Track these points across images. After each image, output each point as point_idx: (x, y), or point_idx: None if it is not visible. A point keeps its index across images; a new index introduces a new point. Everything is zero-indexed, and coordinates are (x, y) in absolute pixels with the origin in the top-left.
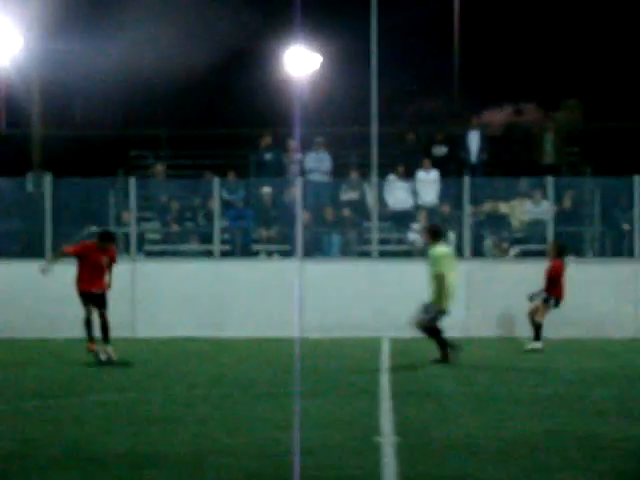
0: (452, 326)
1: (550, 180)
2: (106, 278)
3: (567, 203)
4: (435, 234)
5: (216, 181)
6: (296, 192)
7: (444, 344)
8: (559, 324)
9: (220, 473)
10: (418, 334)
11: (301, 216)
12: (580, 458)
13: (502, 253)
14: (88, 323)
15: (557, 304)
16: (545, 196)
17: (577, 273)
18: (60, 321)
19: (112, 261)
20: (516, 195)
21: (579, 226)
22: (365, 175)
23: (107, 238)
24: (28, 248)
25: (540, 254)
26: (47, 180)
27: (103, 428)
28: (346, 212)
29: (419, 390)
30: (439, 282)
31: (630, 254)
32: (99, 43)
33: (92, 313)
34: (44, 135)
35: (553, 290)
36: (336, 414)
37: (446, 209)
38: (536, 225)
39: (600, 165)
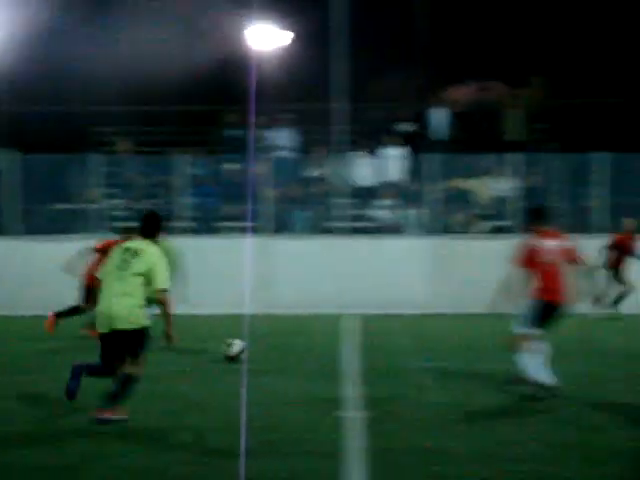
0: (409, 302)
1: (516, 157)
2: None
3: (533, 180)
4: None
5: (182, 158)
6: (262, 169)
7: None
8: None
9: (179, 449)
10: (385, 311)
11: (267, 193)
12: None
13: (474, 227)
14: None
15: None
16: (511, 173)
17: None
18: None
19: None
20: (482, 172)
21: (545, 202)
22: (331, 152)
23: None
24: None
25: (507, 230)
26: (16, 157)
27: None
28: (314, 188)
29: (385, 366)
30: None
31: (597, 230)
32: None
33: None
34: (13, 112)
35: None
36: (301, 390)
37: (411, 186)
38: (502, 202)
39: (567, 141)
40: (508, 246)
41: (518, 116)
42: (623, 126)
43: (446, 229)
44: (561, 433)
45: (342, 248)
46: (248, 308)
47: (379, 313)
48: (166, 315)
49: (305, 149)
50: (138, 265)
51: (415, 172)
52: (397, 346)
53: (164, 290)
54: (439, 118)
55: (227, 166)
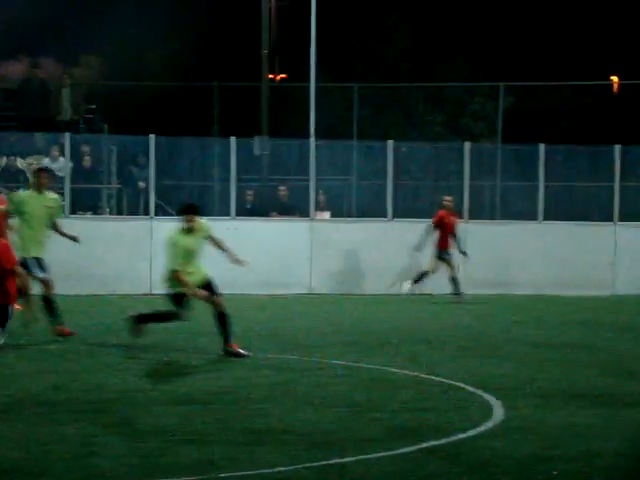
0: None
1: (67, 136)
2: None
3: (85, 160)
4: None
5: None
6: None
7: None
8: (74, 279)
9: None
10: None
11: None
12: (89, 410)
13: None
14: None
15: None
16: (62, 153)
17: (95, 230)
18: None
19: None
20: (33, 151)
21: (96, 183)
22: None
23: None
24: None
25: None
26: None
27: None
28: None
29: None
30: None
31: (146, 212)
32: None
33: None
34: None
35: None
36: None
37: None
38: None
39: (117, 123)
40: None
41: (70, 95)
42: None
43: None
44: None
45: None
46: None
47: None
48: None
49: None
50: None
51: None
52: None
53: None
54: None
55: None
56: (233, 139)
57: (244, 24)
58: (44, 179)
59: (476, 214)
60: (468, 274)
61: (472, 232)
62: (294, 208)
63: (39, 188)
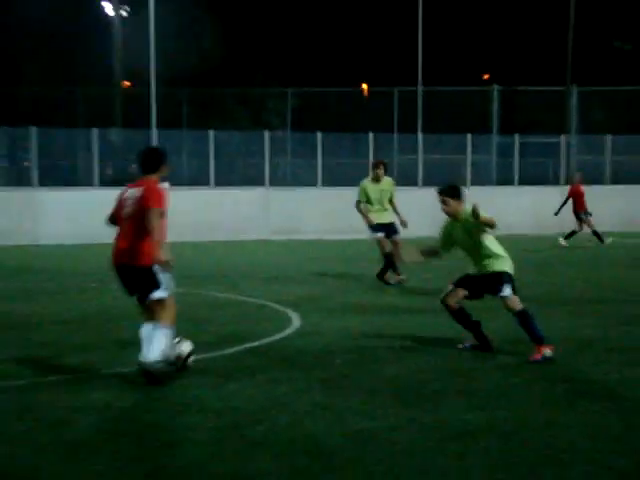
0: None
1: None
2: None
3: None
4: None
5: None
6: None
7: None
8: None
9: None
10: None
11: None
12: None
13: None
14: None
15: None
16: None
17: None
18: None
19: None
20: None
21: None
22: None
23: None
24: None
25: None
26: None
27: None
28: None
29: None
30: None
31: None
32: None
33: None
34: None
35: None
36: None
37: None
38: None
39: None
40: None
41: None
42: None
43: None
44: None
45: None
46: None
47: None
48: None
49: None
50: None
51: None
52: None
53: None
54: None
55: None
56: None
57: None
58: (380, 170)
59: (276, 183)
60: (271, 224)
61: (273, 196)
62: None
63: (376, 178)
